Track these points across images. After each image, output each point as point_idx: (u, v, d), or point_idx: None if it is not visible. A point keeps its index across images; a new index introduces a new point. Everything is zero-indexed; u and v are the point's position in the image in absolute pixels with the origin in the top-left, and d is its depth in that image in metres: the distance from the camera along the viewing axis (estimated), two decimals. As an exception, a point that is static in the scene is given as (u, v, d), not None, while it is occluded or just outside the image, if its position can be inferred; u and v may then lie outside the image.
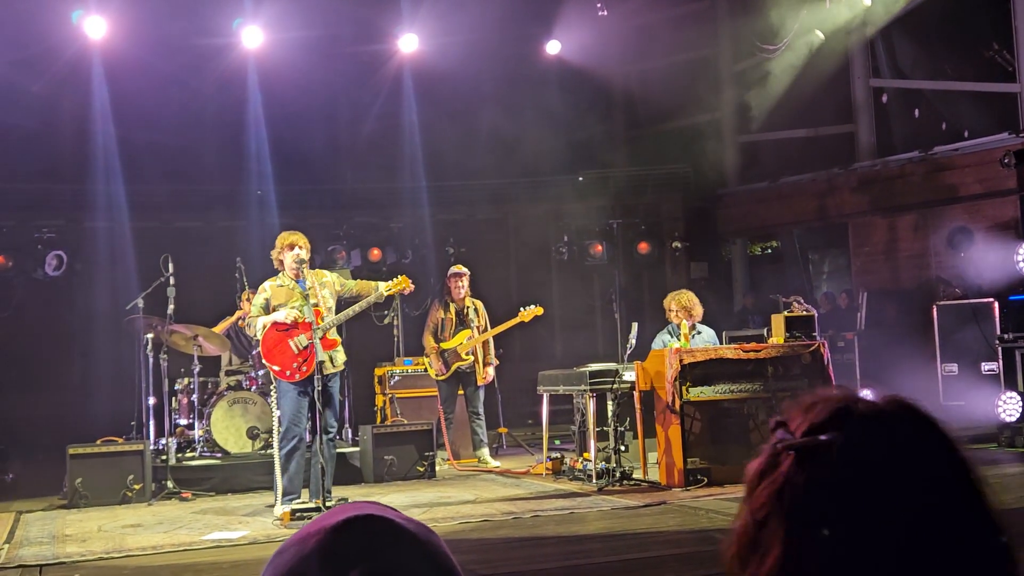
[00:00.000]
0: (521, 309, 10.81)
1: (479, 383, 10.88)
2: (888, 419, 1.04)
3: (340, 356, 8.05)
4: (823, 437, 1.02)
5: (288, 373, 7.82)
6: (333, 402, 7.95)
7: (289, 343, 7.84)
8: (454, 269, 11.11)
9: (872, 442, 1.02)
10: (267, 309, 7.94)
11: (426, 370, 11.15)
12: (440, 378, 10.92)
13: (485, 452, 10.82)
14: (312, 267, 8.27)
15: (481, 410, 10.90)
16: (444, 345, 10.89)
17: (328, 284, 8.06)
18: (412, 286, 8.51)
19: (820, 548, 0.99)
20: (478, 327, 10.94)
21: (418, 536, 1.06)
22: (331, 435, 7.92)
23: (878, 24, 14.75)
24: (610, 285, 14.60)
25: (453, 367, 10.86)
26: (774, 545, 1.01)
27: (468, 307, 10.96)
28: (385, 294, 8.33)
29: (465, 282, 10.96)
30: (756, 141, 16.44)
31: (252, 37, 13.25)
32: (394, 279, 8.44)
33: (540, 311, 10.82)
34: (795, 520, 1.00)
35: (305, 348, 7.84)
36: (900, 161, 14.34)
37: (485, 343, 10.96)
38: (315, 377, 7.66)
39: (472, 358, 10.85)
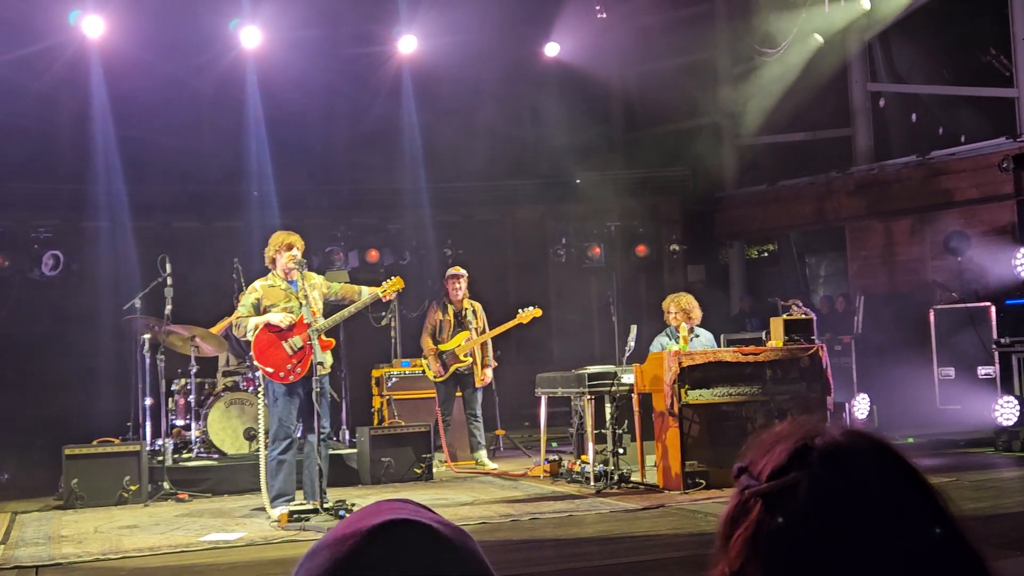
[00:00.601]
0: (520, 311, 10.82)
1: (477, 385, 10.88)
2: (848, 453, 1.05)
3: (329, 358, 8.03)
4: (786, 479, 1.03)
5: (282, 375, 7.78)
6: (326, 403, 7.94)
7: (283, 345, 7.80)
8: (452, 271, 11.12)
9: (836, 478, 1.02)
10: (258, 309, 7.88)
11: (424, 372, 11.13)
12: (438, 380, 10.91)
13: (483, 454, 10.82)
14: (308, 268, 8.22)
15: (479, 412, 10.89)
16: (442, 347, 10.88)
17: (317, 286, 8.02)
18: (403, 284, 8.49)
19: None
20: (476, 328, 10.93)
21: (455, 542, 1.04)
22: (324, 436, 7.90)
23: (876, 28, 14.77)
24: (608, 287, 14.60)
25: (451, 369, 10.85)
26: None
27: (467, 309, 10.96)
28: (383, 298, 8.32)
29: (463, 283, 10.96)
30: (754, 144, 16.45)
31: (250, 37, 13.24)
32: (388, 281, 8.39)
33: (539, 313, 10.83)
34: (773, 565, 1.01)
35: (300, 350, 7.81)
36: (897, 165, 14.36)
37: (483, 345, 10.95)
38: (313, 378, 7.64)
39: (470, 360, 10.85)
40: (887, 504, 1.01)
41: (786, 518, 1.01)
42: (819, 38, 14.47)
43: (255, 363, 7.97)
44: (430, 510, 1.10)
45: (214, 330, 10.56)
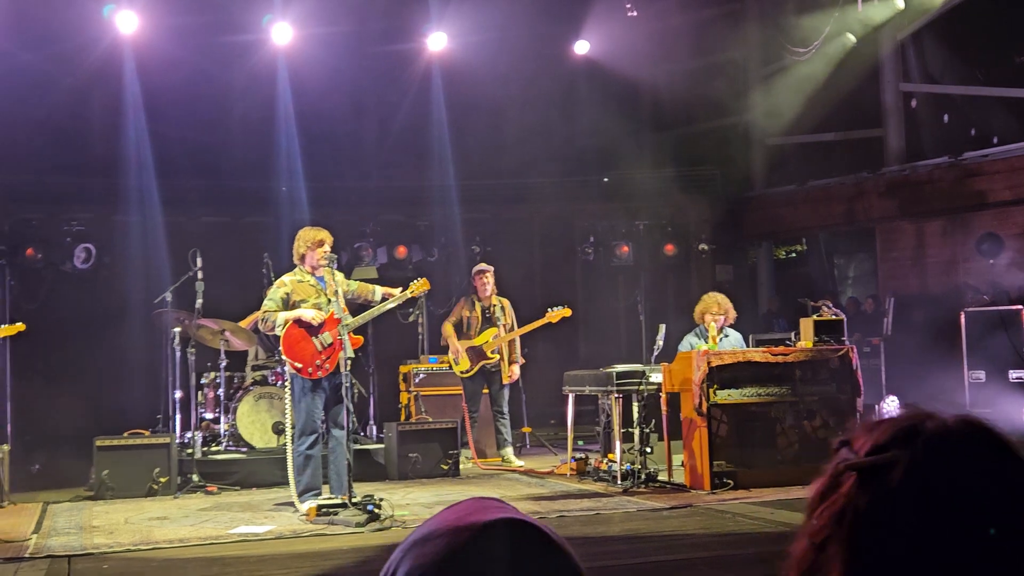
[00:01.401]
0: (549, 310, 10.80)
1: (504, 382, 10.88)
2: (958, 439, 1.00)
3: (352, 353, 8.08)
4: (884, 456, 0.99)
5: (310, 371, 7.81)
6: (350, 398, 7.99)
7: (313, 340, 7.84)
8: (479, 267, 11.16)
9: (941, 462, 0.97)
10: (286, 304, 7.92)
11: (451, 368, 11.15)
12: (465, 375, 10.91)
13: (509, 451, 10.82)
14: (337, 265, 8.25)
15: (506, 409, 10.90)
16: (470, 343, 10.90)
17: (339, 283, 8.05)
18: (429, 286, 8.59)
19: (882, 573, 0.96)
20: (505, 325, 10.94)
21: (564, 548, 1.06)
22: (350, 430, 7.95)
23: (909, 28, 14.67)
24: (635, 287, 14.57)
25: (478, 365, 10.86)
26: (833, 570, 0.98)
27: (495, 305, 10.97)
28: (411, 296, 8.41)
29: (490, 279, 10.98)
30: (784, 144, 16.38)
31: (282, 33, 13.30)
32: (414, 282, 8.48)
33: (568, 312, 10.82)
34: (856, 544, 0.97)
35: (329, 346, 7.86)
36: (929, 166, 14.25)
37: (512, 342, 10.97)
38: (343, 374, 7.68)
39: (498, 356, 10.86)
40: (988, 498, 0.96)
41: (877, 497, 0.97)
42: (851, 37, 14.38)
43: (283, 358, 7.99)
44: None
45: (243, 324, 10.63)
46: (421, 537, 1.06)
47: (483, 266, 11.15)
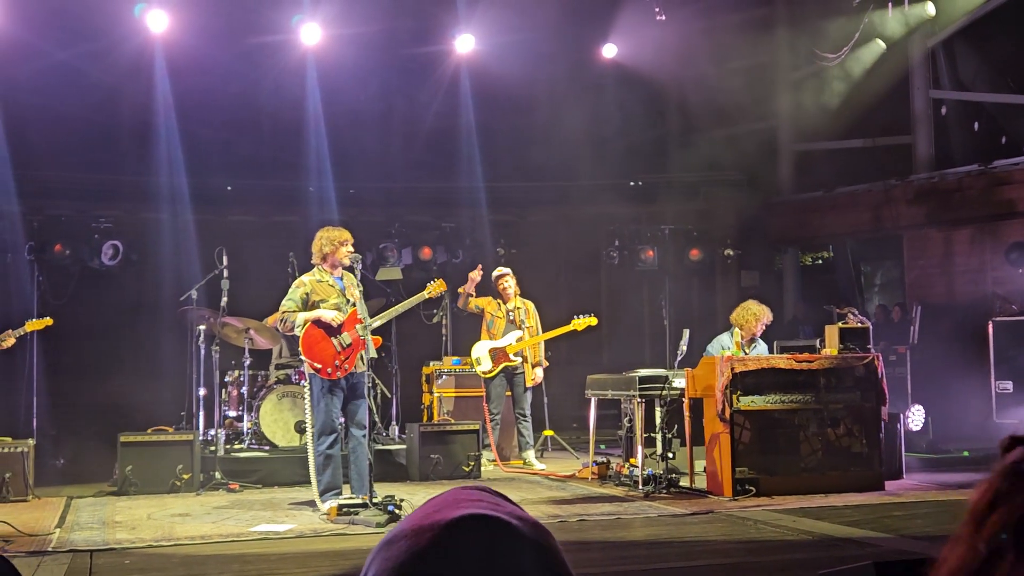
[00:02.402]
0: (576, 318, 10.76)
1: (527, 385, 10.87)
2: None
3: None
4: None
5: (329, 371, 7.83)
6: (371, 398, 8.02)
7: (332, 341, 7.86)
8: (496, 271, 11.18)
9: None
10: (306, 304, 7.92)
11: (473, 369, 11.15)
12: (487, 376, 10.90)
13: (531, 454, 10.82)
14: (362, 266, 8.27)
15: (528, 411, 10.90)
16: (493, 344, 10.87)
17: (355, 284, 8.08)
18: (445, 287, 8.80)
19: None
20: (529, 328, 10.93)
21: (533, 540, 1.03)
22: (371, 430, 7.98)
23: (940, 35, 14.56)
24: (660, 291, 14.53)
25: (500, 367, 10.85)
26: None
27: (518, 308, 10.96)
28: (427, 296, 8.61)
29: (510, 281, 10.96)
30: (811, 150, 16.29)
31: (311, 34, 13.35)
32: (431, 284, 8.65)
33: (594, 322, 10.78)
34: None
35: (348, 346, 7.88)
36: (958, 174, 14.13)
37: (535, 345, 10.96)
38: (362, 373, 7.70)
39: (520, 359, 10.85)
40: None
41: None
42: (881, 44, 14.28)
43: (302, 358, 7.99)
44: (510, 501, 1.08)
45: (268, 322, 10.67)
46: (389, 539, 1.04)
47: (501, 270, 11.16)
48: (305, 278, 8.04)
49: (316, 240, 8.09)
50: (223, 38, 13.19)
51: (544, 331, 11.03)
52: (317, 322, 7.82)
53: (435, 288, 8.60)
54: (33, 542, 6.72)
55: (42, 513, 8.00)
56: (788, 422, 8.44)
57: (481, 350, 10.92)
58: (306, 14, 13.30)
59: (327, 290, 7.97)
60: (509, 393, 11.00)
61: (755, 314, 9.58)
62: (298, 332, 7.85)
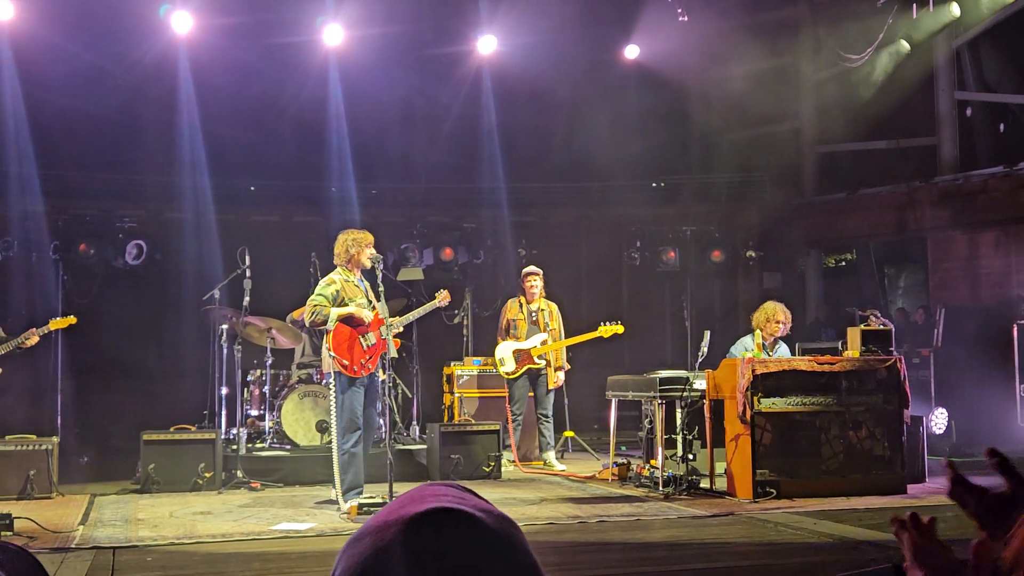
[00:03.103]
0: (602, 324, 10.71)
1: (550, 387, 10.87)
2: None
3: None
4: None
5: (355, 369, 7.86)
6: (392, 397, 8.10)
7: (359, 340, 7.90)
8: (527, 269, 11.16)
9: None
10: (335, 301, 7.96)
11: (495, 370, 11.15)
12: (510, 377, 10.91)
13: (551, 455, 10.82)
14: (383, 266, 8.32)
15: (550, 413, 10.90)
16: (517, 345, 10.87)
17: (374, 285, 8.13)
18: (449, 298, 9.09)
19: None
20: (552, 331, 10.91)
21: (497, 533, 1.03)
22: (396, 431, 8.04)
23: (965, 36, 14.46)
24: (681, 292, 14.49)
25: (524, 368, 10.86)
26: None
27: (542, 309, 10.94)
28: (435, 306, 8.99)
29: (538, 282, 10.97)
30: (835, 151, 16.21)
31: (333, 34, 13.40)
32: (438, 293, 9.00)
33: (620, 330, 10.72)
34: None
35: (372, 345, 7.93)
36: (984, 176, 14.03)
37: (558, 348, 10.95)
38: (388, 374, 7.73)
39: (543, 362, 10.84)
40: None
41: None
42: (906, 45, 14.19)
43: (331, 354, 8.00)
44: (475, 495, 1.08)
45: (294, 315, 10.74)
46: (356, 536, 1.04)
47: (531, 268, 11.15)
48: (335, 276, 8.07)
49: (339, 242, 8.12)
50: (246, 39, 13.26)
51: (566, 334, 11.02)
52: (347, 320, 7.85)
53: (442, 298, 8.94)
54: (56, 539, 6.77)
55: (66, 510, 8.07)
56: (809, 424, 8.41)
57: (505, 351, 10.91)
58: (329, 15, 13.35)
59: (354, 290, 8.02)
60: (531, 394, 11.00)
61: (767, 312, 9.57)
62: (330, 327, 7.85)
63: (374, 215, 13.70)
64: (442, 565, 0.98)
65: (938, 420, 11.78)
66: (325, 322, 7.88)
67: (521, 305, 11.02)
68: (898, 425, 8.51)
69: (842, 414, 8.42)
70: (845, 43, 14.62)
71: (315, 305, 7.93)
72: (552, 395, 10.92)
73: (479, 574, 1.00)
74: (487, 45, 14.17)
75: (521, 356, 10.86)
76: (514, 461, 10.78)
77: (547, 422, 10.84)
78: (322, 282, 8.11)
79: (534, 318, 10.93)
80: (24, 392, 12.11)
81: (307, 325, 8.01)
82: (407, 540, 1.00)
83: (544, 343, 10.83)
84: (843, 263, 18.24)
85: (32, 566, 1.28)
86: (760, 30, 15.55)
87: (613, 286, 15.35)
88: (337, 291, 7.96)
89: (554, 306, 11.11)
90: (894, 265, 17.61)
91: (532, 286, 10.96)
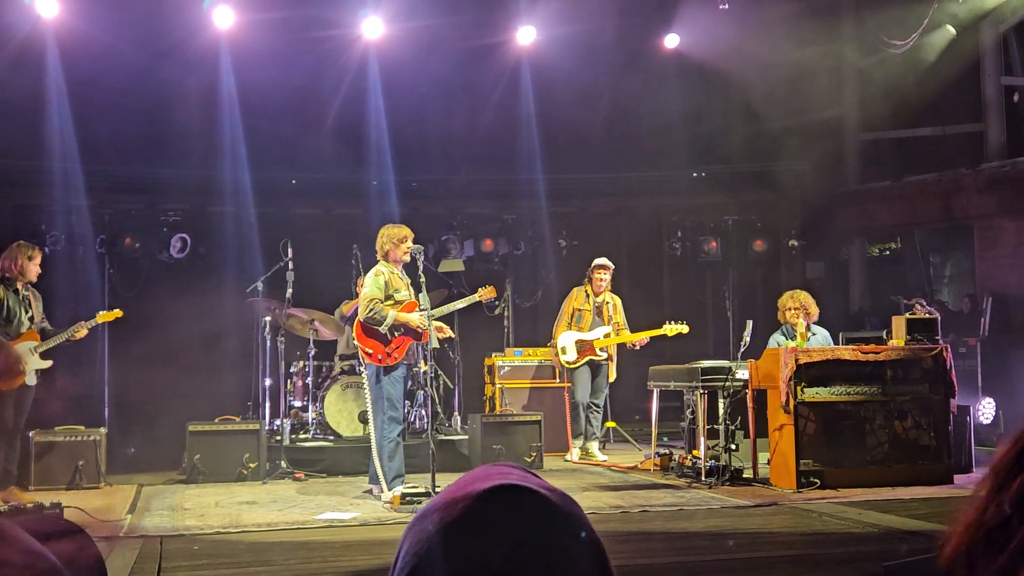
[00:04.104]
0: (667, 324, 10.59)
1: (610, 380, 10.85)
2: None
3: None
4: None
5: (380, 357, 7.91)
6: (433, 388, 8.12)
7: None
8: (598, 261, 10.98)
9: None
10: (386, 291, 7.99)
11: (542, 361, 11.16)
12: (571, 367, 10.84)
13: (595, 445, 10.78)
14: (424, 257, 8.34)
15: (602, 404, 10.87)
16: (580, 336, 10.77)
17: (415, 277, 8.19)
18: (495, 293, 9.17)
19: None
20: (615, 325, 10.84)
21: (563, 508, 1.04)
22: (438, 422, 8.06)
23: (1012, 20, 14.22)
24: (723, 282, 14.40)
25: (586, 358, 10.79)
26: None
27: (607, 302, 10.89)
28: (478, 299, 8.99)
29: (606, 275, 10.88)
30: (878, 139, 16.02)
31: (373, 27, 13.44)
32: (482, 288, 9.02)
33: (685, 330, 10.56)
34: None
35: (399, 335, 8.02)
36: (1032, 162, 13.82)
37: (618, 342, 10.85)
38: (431, 365, 7.76)
39: (605, 354, 10.79)
40: None
41: None
42: (951, 30, 13.99)
43: (355, 343, 8.08)
44: (536, 475, 1.10)
45: (344, 309, 10.83)
46: (422, 513, 1.05)
47: (603, 261, 10.98)
48: (382, 268, 8.11)
49: (378, 237, 8.19)
50: (287, 33, 13.32)
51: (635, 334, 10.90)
52: (408, 321, 7.90)
53: (486, 293, 8.98)
54: (105, 527, 6.87)
55: (114, 500, 8.19)
56: (854, 414, 8.32)
57: (568, 340, 10.81)
58: (369, 8, 13.38)
59: (398, 281, 8.07)
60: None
61: (780, 303, 9.59)
62: (383, 329, 7.88)
63: (414, 207, 13.74)
64: (514, 538, 0.99)
65: (985, 410, 11.64)
66: (381, 322, 7.88)
67: (588, 296, 10.91)
68: (944, 415, 8.41)
69: (887, 403, 8.33)
70: (889, 29, 14.43)
71: (372, 300, 7.93)
72: (607, 388, 10.89)
73: (548, 547, 1.01)
74: (526, 36, 14.14)
75: (583, 347, 10.76)
76: (569, 453, 10.77)
77: (597, 412, 10.81)
78: (372, 276, 8.10)
79: (599, 309, 10.84)
80: (72, 383, 12.28)
81: (362, 321, 7.96)
82: (475, 515, 1.02)
83: (607, 336, 10.74)
84: (887, 252, 18.04)
85: (93, 563, 1.28)
86: (802, 17, 15.38)
87: (654, 277, 15.27)
88: (386, 282, 8.00)
89: (618, 300, 11.05)
90: (940, 253, 17.39)
91: (600, 279, 10.86)
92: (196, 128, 13.82)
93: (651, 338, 10.79)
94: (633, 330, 10.94)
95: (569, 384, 11.01)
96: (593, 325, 10.82)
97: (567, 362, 10.83)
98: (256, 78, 13.36)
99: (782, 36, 14.76)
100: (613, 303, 10.94)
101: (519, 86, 14.65)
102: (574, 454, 10.80)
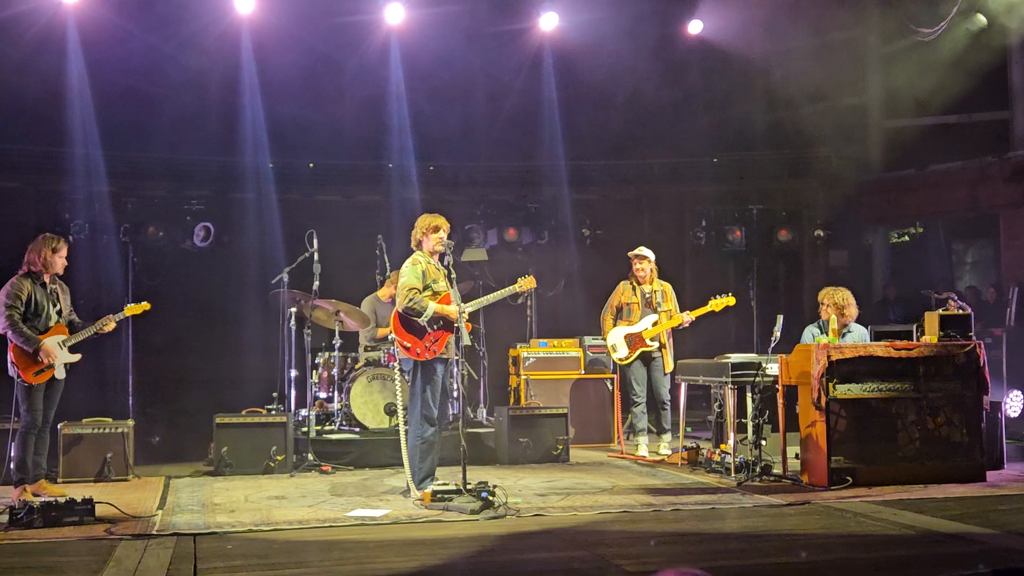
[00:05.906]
0: (713, 298, 10.27)
1: (666, 370, 10.44)
2: None
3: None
4: None
5: (418, 351, 7.81)
6: (461, 383, 8.06)
7: (426, 324, 7.89)
8: (635, 251, 10.64)
9: None
10: (424, 281, 7.93)
11: (567, 352, 11.10)
12: (623, 362, 10.59)
13: (644, 440, 10.53)
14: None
15: (667, 399, 10.47)
16: (629, 329, 10.47)
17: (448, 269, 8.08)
18: (535, 284, 8.96)
19: None
20: (666, 312, 10.49)
21: None
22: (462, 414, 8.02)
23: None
24: (747, 272, 14.30)
25: (637, 352, 10.47)
26: None
27: (655, 291, 10.52)
28: (517, 290, 8.77)
29: (645, 265, 10.50)
30: (903, 127, 15.88)
31: (394, 13, 13.36)
32: (522, 279, 8.80)
33: (732, 301, 10.23)
34: None
35: (439, 329, 7.94)
36: (1059, 151, 13.70)
37: (672, 329, 10.53)
38: (460, 361, 7.70)
39: (656, 344, 10.44)
40: None
41: None
42: (982, 18, 13.82)
43: (392, 336, 8.02)
44: None
45: (381, 295, 10.82)
46: None
47: (639, 252, 10.60)
48: (419, 256, 8.03)
49: (414, 227, 8.12)
50: (308, 18, 13.25)
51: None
52: (446, 314, 7.84)
53: (526, 283, 8.74)
54: (137, 525, 6.85)
55: (143, 493, 8.18)
56: (886, 411, 8.26)
57: (617, 336, 10.49)
58: (390, -7, 13.30)
59: (435, 272, 7.99)
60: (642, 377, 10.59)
61: (819, 296, 9.50)
62: (423, 321, 7.81)
63: (436, 194, 13.69)
64: None
65: (1013, 403, 11.56)
66: (421, 313, 7.78)
67: (634, 288, 10.56)
68: (977, 411, 8.35)
69: (919, 400, 8.27)
70: (916, 15, 14.27)
71: (411, 289, 7.81)
72: (668, 379, 10.45)
73: None
74: (549, 22, 14.05)
75: (633, 340, 10.42)
76: (620, 451, 10.69)
77: (664, 409, 10.46)
78: (409, 265, 7.98)
79: (648, 300, 10.52)
80: (97, 374, 12.30)
81: (400, 312, 7.86)
82: None
83: (655, 324, 10.41)
84: (906, 237, 17.93)
85: None
86: (826, 3, 15.23)
87: (677, 266, 15.17)
88: (423, 271, 7.93)
89: (668, 286, 10.63)
90: (963, 242, 17.28)
91: (639, 269, 10.50)
92: (217, 114, 13.78)
93: (698, 317, 10.39)
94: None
95: (608, 375, 10.87)
96: (643, 316, 10.47)
97: (619, 359, 10.51)
98: (277, 63, 13.32)
99: (807, 22, 14.62)
100: (663, 290, 10.55)
101: (541, 72, 14.56)
102: (636, 448, 10.53)
